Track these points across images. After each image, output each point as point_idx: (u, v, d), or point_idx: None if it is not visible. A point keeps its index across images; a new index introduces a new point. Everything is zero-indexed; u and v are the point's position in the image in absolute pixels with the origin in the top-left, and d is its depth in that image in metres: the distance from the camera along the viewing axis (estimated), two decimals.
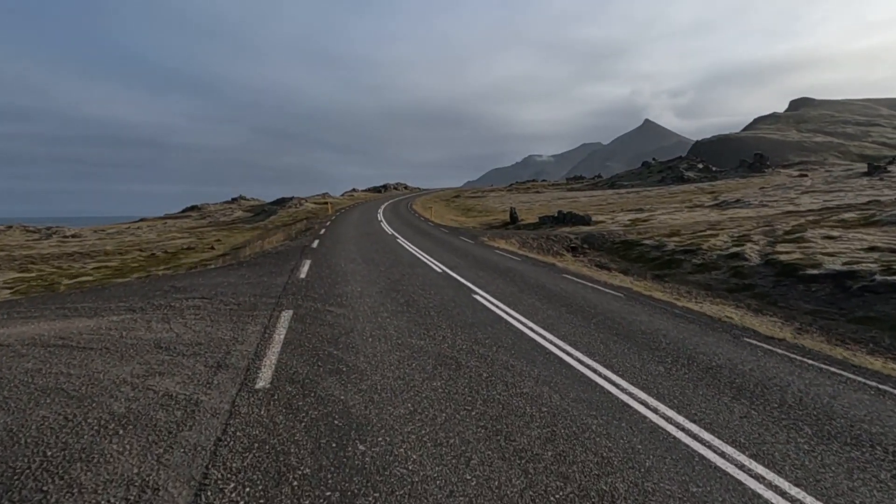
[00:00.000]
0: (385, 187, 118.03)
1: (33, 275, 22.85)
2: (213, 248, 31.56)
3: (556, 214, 42.98)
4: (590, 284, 13.62)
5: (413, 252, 18.74)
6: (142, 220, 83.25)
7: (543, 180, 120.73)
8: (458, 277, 13.41)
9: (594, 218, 40.54)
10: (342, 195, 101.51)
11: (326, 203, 78.18)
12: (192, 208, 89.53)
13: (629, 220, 39.28)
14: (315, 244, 19.72)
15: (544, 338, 7.92)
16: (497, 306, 10.04)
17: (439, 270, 14.54)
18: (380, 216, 41.34)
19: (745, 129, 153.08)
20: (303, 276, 12.50)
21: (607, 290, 12.72)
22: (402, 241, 22.85)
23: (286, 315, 8.58)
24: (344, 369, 6.16)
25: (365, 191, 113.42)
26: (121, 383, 5.63)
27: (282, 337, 7.32)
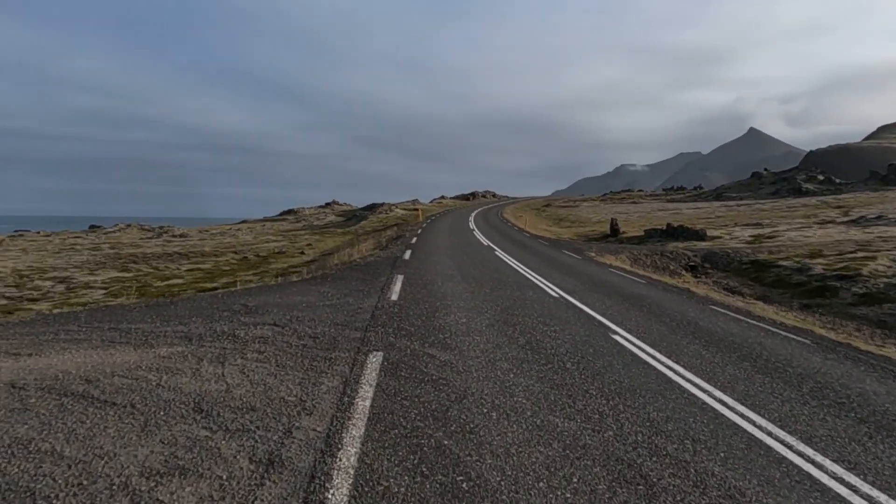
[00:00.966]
0: (473, 195, 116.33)
1: (130, 275, 22.53)
2: (303, 252, 30.64)
3: (663, 227, 38.81)
4: (753, 322, 10.43)
5: (516, 268, 16.19)
6: (243, 221, 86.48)
7: (640, 190, 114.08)
8: (582, 306, 10.69)
9: (708, 233, 36.05)
10: (431, 202, 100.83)
11: (416, 209, 77.41)
12: (289, 212, 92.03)
13: (750, 236, 34.52)
14: (407, 255, 17.67)
15: (762, 428, 5.08)
16: (652, 356, 7.26)
17: (554, 294, 11.89)
18: (471, 225, 39.12)
19: (868, 138, 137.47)
20: (394, 297, 10.29)
21: (786, 334, 9.51)
22: (500, 254, 20.35)
23: (374, 361, 6.30)
24: (464, 485, 3.73)
25: (453, 198, 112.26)
26: (119, 489, 3.52)
27: (367, 405, 5.00)
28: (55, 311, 10.60)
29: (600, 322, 9.32)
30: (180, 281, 20.78)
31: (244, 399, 5.10)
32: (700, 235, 35.56)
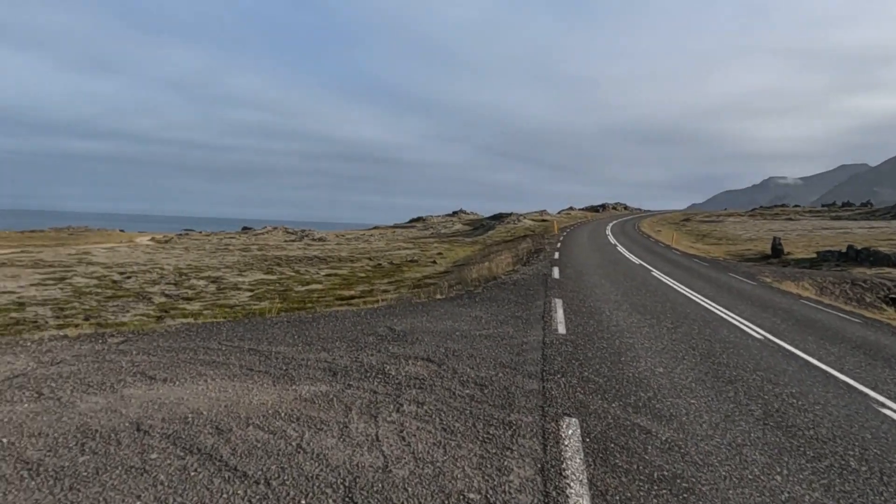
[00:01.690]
0: (603, 206, 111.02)
1: (274, 277, 22.98)
2: (435, 262, 29.89)
3: (842, 249, 33.06)
4: None
5: (688, 295, 13.65)
6: (375, 227, 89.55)
7: (796, 206, 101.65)
8: (806, 356, 8.16)
9: None
10: (558, 213, 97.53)
11: (545, 220, 74.90)
12: (417, 219, 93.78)
13: None
14: (555, 273, 15.78)
15: None
16: None
17: (757, 336, 9.39)
18: (611, 238, 36.17)
19: None
20: (561, 329, 8.50)
21: None
22: (659, 275, 17.74)
23: (570, 436, 4.57)
24: None
25: (582, 209, 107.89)
26: None
27: None
28: (200, 320, 10.22)
29: (850, 385, 6.82)
30: (319, 286, 20.69)
31: (408, 488, 3.62)
32: (893, 261, 29.61)
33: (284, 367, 6.19)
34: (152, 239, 63.48)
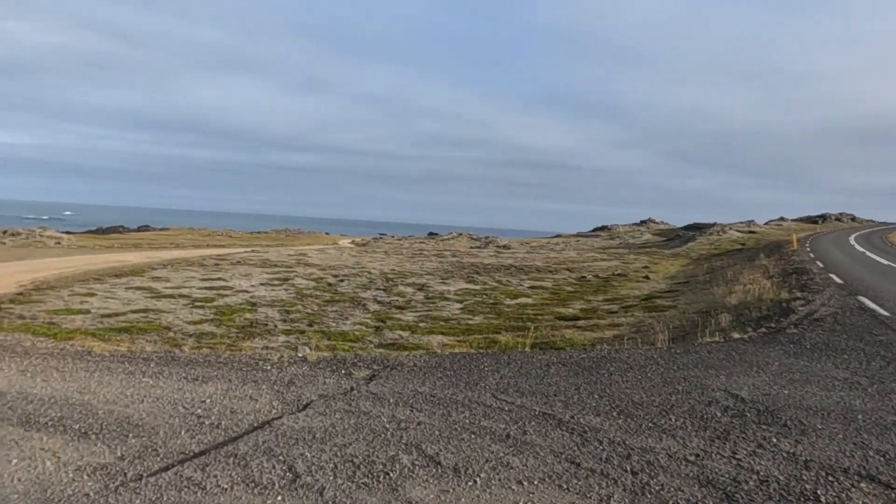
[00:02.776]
0: (823, 217, 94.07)
1: (477, 287, 21.46)
2: (647, 277, 26.08)
3: None
4: None
5: None
6: (557, 235, 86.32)
7: None
8: None
9: None
10: (766, 224, 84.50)
11: (753, 232, 65.21)
12: (602, 228, 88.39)
13: None
14: (868, 303, 11.47)
15: None
16: None
17: None
18: (873, 255, 28.64)
19: None
20: None
21: None
22: None
23: None
24: None
25: (795, 220, 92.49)
26: None
27: None
28: (419, 335, 8.52)
29: None
30: (529, 301, 18.56)
31: None
32: None
33: (624, 466, 3.82)
34: (352, 242, 68.05)
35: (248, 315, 14.02)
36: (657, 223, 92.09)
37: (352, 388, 5.60)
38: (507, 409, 4.97)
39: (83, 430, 4.50)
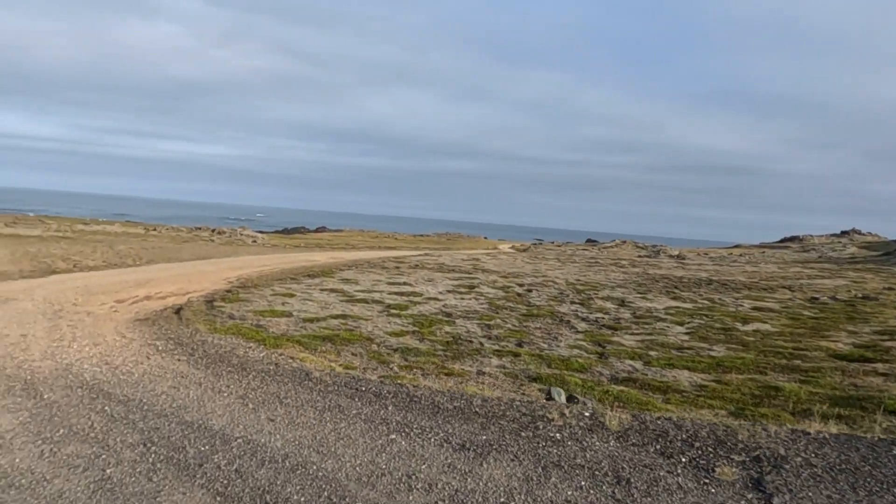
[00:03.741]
0: None
1: (688, 305, 17.92)
2: None
3: None
4: None
5: None
6: (735, 246, 76.46)
7: None
8: None
9: None
10: None
11: None
12: (791, 238, 76.42)
13: None
14: None
15: None
16: None
17: None
18: None
19: None
20: None
21: None
22: None
23: None
24: None
25: None
26: None
27: None
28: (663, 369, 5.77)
29: None
30: (768, 328, 14.69)
31: None
32: None
33: None
34: (512, 247, 66.27)
35: (447, 328, 12.38)
36: (862, 234, 77.53)
37: None
38: None
39: None
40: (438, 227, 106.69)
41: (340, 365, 8.96)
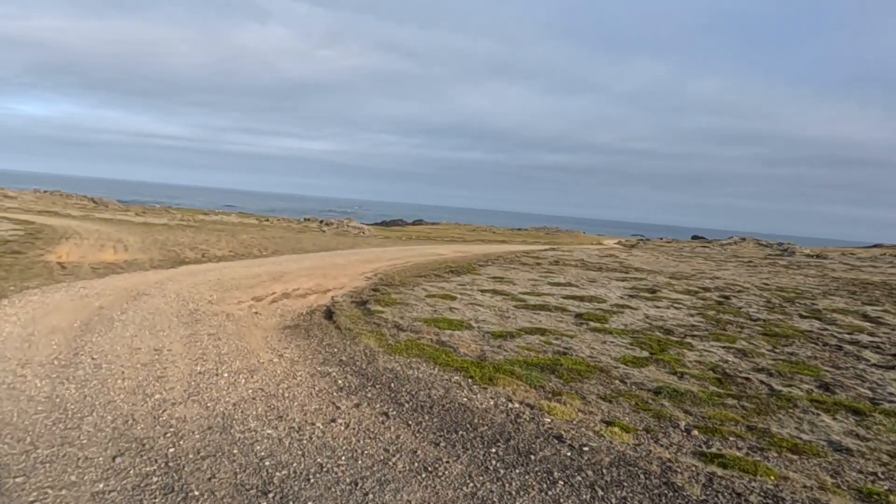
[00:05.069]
0: None
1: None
2: None
3: None
4: None
5: None
6: (875, 245, 66.15)
7: None
8: None
9: None
10: None
11: None
12: None
13: None
14: None
15: None
16: None
17: None
18: None
19: None
20: None
21: None
22: None
23: None
24: None
25: None
26: None
27: None
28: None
29: None
30: None
31: None
32: None
33: None
34: (618, 242, 60.72)
35: (688, 353, 8.62)
36: None
37: None
38: None
39: None
40: (531, 221, 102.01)
41: (603, 422, 5.53)
